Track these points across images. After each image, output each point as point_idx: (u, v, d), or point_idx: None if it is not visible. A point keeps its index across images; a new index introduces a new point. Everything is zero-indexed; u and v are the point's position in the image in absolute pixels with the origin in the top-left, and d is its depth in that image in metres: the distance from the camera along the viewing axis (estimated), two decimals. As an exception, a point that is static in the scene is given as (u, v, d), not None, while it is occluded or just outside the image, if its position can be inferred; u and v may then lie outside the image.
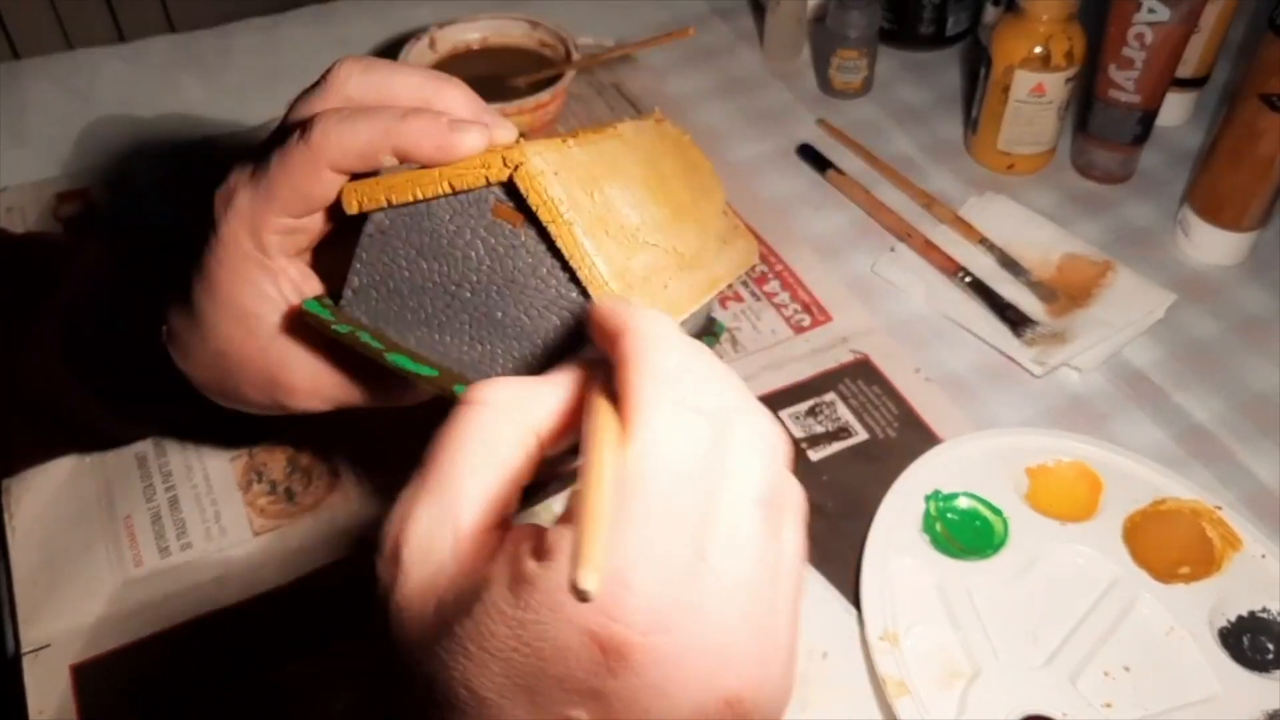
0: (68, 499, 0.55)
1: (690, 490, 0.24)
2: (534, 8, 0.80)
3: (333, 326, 0.40)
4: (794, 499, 0.27)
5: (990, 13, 0.83)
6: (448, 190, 0.37)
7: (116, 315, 0.47)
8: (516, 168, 0.35)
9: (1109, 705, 0.46)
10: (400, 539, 0.26)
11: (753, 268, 0.60)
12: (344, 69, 0.40)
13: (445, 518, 0.26)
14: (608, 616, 0.23)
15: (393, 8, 0.91)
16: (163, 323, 0.44)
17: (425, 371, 0.39)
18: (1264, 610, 0.50)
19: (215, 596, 0.51)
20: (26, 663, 0.48)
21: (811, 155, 0.77)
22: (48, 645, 0.49)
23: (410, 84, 0.39)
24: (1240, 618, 0.49)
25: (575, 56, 0.75)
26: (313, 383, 0.43)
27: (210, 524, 0.54)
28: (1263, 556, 0.51)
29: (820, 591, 0.51)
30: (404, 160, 0.37)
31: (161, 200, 0.73)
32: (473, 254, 0.38)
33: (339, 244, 0.41)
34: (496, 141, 0.37)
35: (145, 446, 0.57)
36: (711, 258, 0.43)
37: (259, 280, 0.41)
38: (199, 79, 0.85)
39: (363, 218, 0.39)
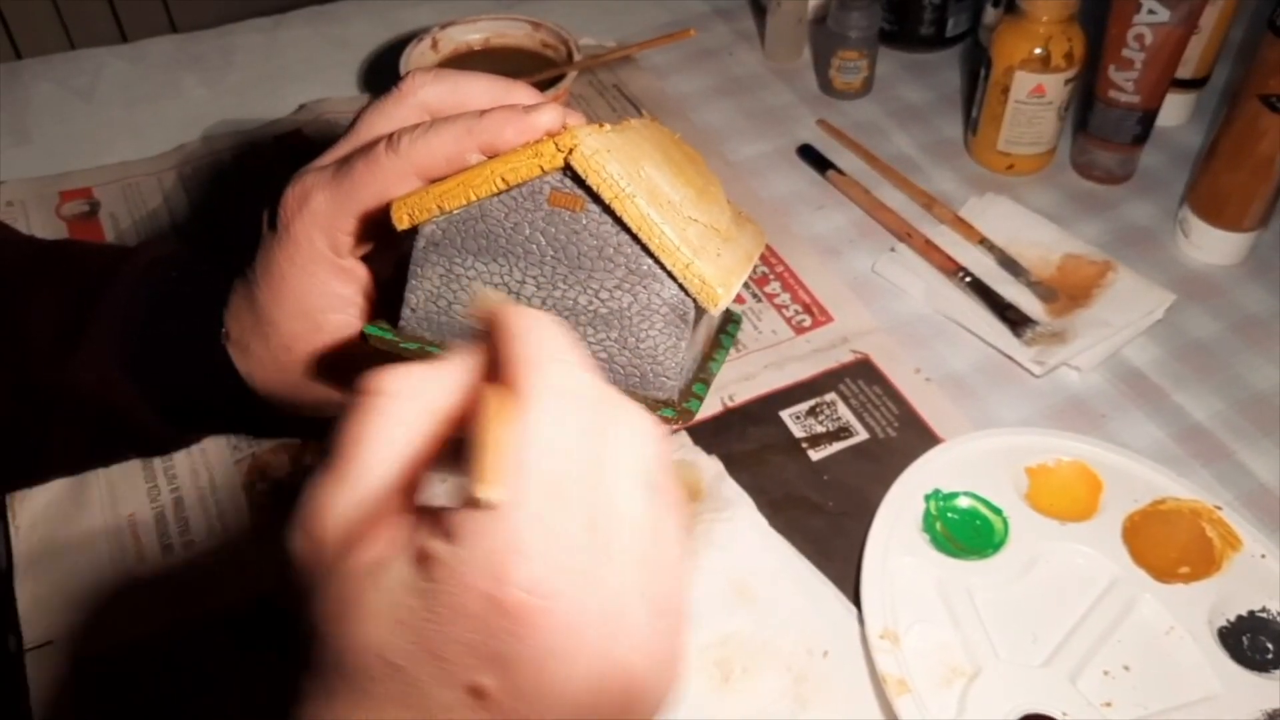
0: (71, 496, 0.55)
1: (577, 468, 0.26)
2: (535, 8, 0.81)
3: (401, 345, 0.40)
4: (675, 493, 0.28)
5: (990, 14, 0.83)
6: (501, 186, 0.36)
7: (172, 319, 0.47)
8: (571, 151, 0.35)
9: (1109, 704, 0.46)
10: (316, 521, 0.27)
11: (754, 268, 0.60)
12: (416, 79, 0.42)
13: (356, 501, 0.27)
14: (502, 580, 0.24)
15: (394, 8, 0.92)
16: (220, 326, 0.45)
17: None
18: (1263, 610, 0.50)
19: (218, 594, 0.51)
20: (29, 659, 0.48)
21: (812, 155, 0.77)
22: (50, 642, 0.49)
23: (480, 86, 0.42)
24: (1240, 617, 0.50)
25: (577, 57, 0.75)
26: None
27: (214, 523, 0.54)
28: (1262, 556, 0.51)
29: (820, 590, 0.51)
30: (490, 155, 0.38)
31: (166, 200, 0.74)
32: (534, 247, 0.38)
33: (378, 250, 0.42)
34: (570, 125, 0.38)
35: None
36: (738, 234, 0.43)
37: (328, 279, 0.42)
38: (201, 79, 0.85)
39: (410, 234, 0.38)
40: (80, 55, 0.87)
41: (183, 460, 0.57)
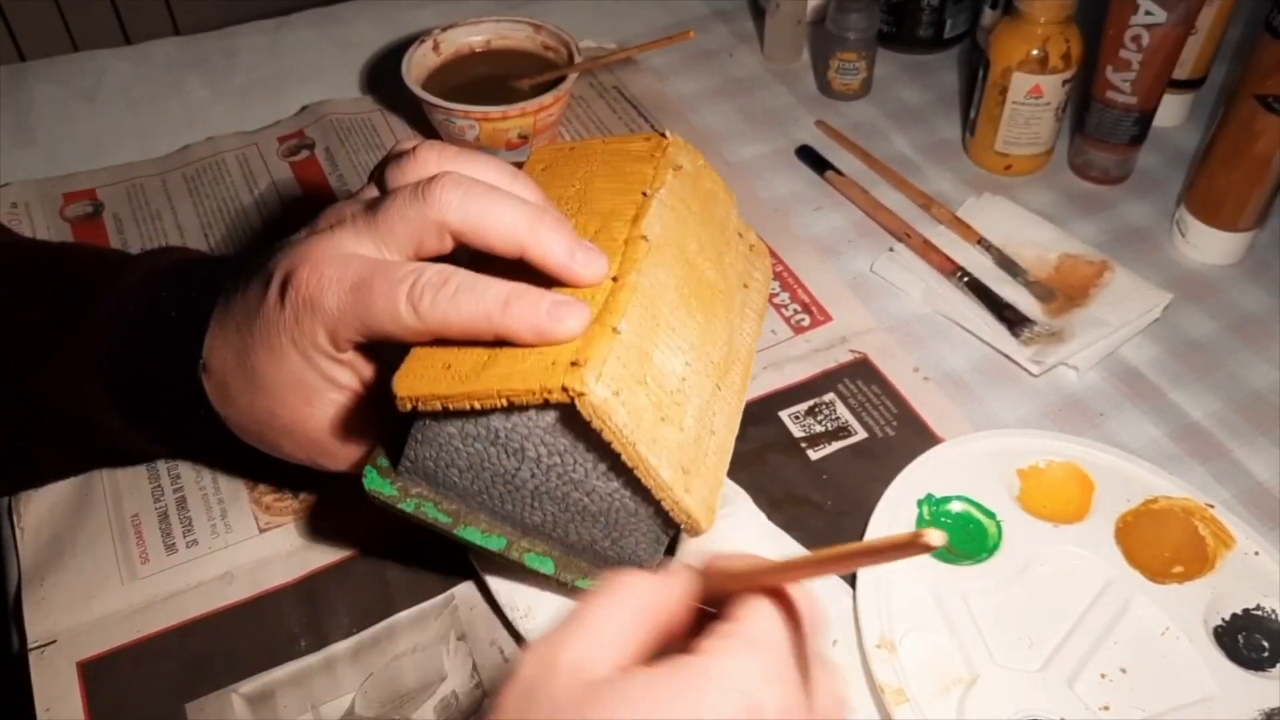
0: (75, 497, 0.55)
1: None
2: (536, 10, 0.81)
3: (398, 505, 0.42)
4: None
5: (988, 15, 0.83)
6: (504, 405, 0.37)
7: (156, 337, 0.47)
8: (580, 397, 0.36)
9: (1106, 708, 0.47)
10: (559, 659, 0.30)
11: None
12: (445, 188, 0.40)
13: (589, 647, 0.30)
14: None
15: (396, 10, 0.92)
16: (198, 356, 0.45)
17: (494, 544, 0.42)
18: (1258, 608, 0.50)
19: (221, 593, 0.52)
20: (33, 659, 0.49)
21: (811, 156, 0.78)
22: (54, 641, 0.49)
23: (508, 221, 0.40)
24: (1235, 616, 0.50)
25: (577, 59, 0.75)
26: (357, 453, 0.46)
27: (216, 521, 0.54)
28: (1255, 554, 0.51)
29: (819, 591, 0.52)
30: (503, 342, 0.39)
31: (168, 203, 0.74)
32: (530, 447, 0.39)
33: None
34: (593, 281, 0.40)
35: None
36: (738, 334, 0.44)
37: (327, 366, 0.43)
38: (204, 81, 0.86)
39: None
40: (83, 57, 0.88)
41: (185, 461, 0.57)
